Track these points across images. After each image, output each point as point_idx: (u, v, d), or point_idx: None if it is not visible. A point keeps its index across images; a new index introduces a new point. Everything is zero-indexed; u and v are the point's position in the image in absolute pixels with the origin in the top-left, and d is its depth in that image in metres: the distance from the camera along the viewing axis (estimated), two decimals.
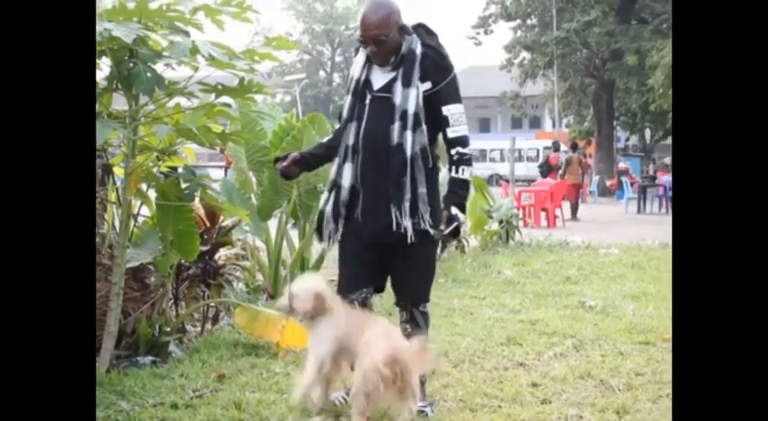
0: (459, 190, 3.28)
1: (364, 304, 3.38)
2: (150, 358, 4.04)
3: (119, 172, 4.19)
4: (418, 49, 3.24)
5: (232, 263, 5.63)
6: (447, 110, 3.24)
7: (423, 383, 3.36)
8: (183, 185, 4.11)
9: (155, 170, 4.19)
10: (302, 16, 41.13)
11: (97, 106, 3.53)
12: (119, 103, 3.78)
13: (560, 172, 17.46)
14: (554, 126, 34.99)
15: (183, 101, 3.97)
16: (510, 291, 6.39)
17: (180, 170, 4.25)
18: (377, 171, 3.23)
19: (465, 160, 3.27)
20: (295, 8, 44.19)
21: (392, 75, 3.26)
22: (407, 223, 3.18)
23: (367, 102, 3.28)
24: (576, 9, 27.99)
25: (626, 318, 5.18)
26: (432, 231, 3.22)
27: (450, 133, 3.25)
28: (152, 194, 4.25)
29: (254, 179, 6.06)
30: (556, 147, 20.87)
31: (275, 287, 5.93)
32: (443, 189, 3.31)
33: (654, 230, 11.69)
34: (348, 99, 3.35)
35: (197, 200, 4.50)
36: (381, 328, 3.13)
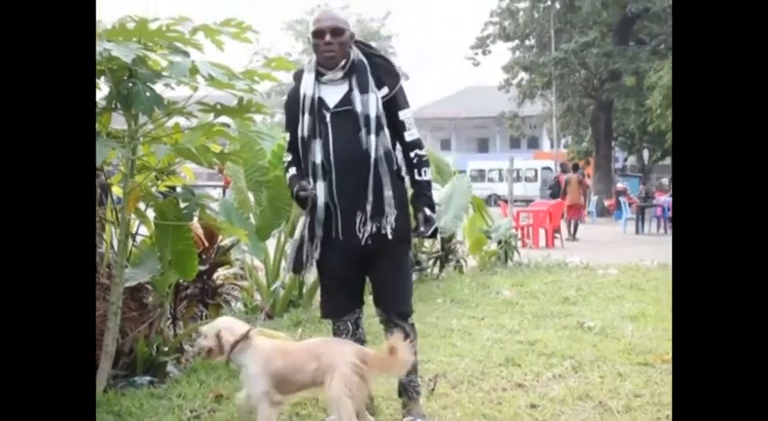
0: (425, 191, 3.37)
1: (356, 324, 3.41)
2: (148, 378, 4.02)
3: (117, 191, 4.19)
4: (365, 59, 3.30)
5: (230, 282, 5.63)
6: (402, 114, 3.33)
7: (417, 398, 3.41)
8: (182, 205, 4.12)
9: (153, 189, 4.19)
10: (301, 36, 41.30)
11: (96, 126, 3.53)
12: (118, 122, 3.78)
13: (561, 192, 17.48)
14: (552, 146, 35.05)
15: (182, 120, 3.97)
16: (508, 312, 6.37)
17: (179, 190, 4.25)
18: (356, 182, 3.22)
19: (424, 162, 3.37)
20: (294, 28, 44.39)
21: (344, 87, 3.27)
22: (369, 227, 3.21)
23: (328, 120, 3.26)
24: (575, 30, 28.18)
25: (625, 339, 5.16)
26: (411, 233, 3.33)
27: (408, 136, 3.34)
28: (150, 214, 4.25)
29: (252, 199, 6.06)
30: (564, 169, 20.91)
31: (273, 307, 5.92)
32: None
33: (652, 251, 11.66)
34: (305, 118, 3.27)
35: (195, 219, 4.50)
36: (337, 341, 3.23)
